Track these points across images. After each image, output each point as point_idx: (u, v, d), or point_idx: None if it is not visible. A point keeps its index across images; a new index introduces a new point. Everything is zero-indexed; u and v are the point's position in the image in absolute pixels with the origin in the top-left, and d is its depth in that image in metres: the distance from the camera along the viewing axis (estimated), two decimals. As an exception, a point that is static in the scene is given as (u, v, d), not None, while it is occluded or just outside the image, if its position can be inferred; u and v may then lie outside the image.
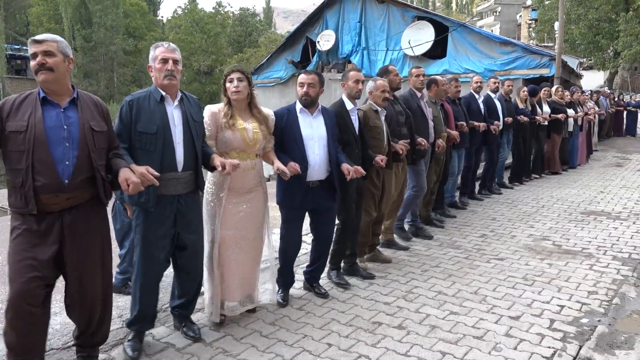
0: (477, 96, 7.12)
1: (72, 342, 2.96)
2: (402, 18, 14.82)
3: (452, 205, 6.88)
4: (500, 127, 7.36)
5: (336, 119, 3.86)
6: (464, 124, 6.34)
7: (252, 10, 44.48)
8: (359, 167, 3.68)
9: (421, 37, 14.16)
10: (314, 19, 16.67)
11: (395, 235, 5.32)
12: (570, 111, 9.72)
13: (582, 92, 11.35)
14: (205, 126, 3.22)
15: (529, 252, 5.10)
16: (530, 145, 8.83)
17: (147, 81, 36.96)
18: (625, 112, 17.14)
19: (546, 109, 9.05)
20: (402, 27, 14.68)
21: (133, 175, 2.57)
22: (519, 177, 8.80)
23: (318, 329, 3.40)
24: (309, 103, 3.63)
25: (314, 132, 3.64)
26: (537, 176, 9.32)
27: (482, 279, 4.32)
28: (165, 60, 2.95)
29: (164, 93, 2.97)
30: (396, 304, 3.81)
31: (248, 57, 32.13)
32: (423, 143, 4.95)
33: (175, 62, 2.98)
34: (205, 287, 3.41)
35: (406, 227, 5.61)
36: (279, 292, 3.84)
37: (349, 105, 4.05)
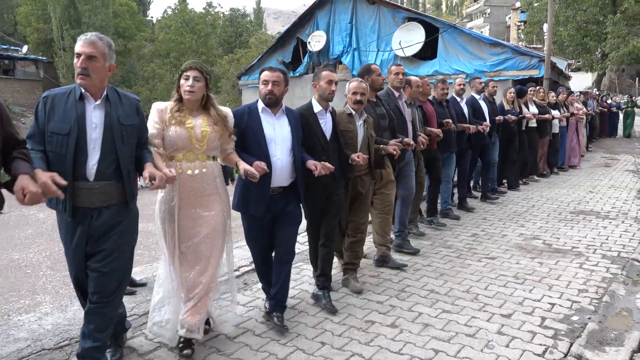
0: (458, 99, 6.82)
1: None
2: (392, 19, 14.88)
3: (446, 213, 6.46)
4: (489, 128, 7.14)
5: (301, 121, 3.57)
6: (450, 121, 6.03)
7: (242, 10, 44.33)
8: (327, 163, 3.41)
9: (412, 38, 14.24)
10: (305, 20, 16.70)
11: (392, 251, 4.88)
12: (555, 112, 9.57)
13: (570, 93, 11.24)
14: (151, 124, 2.93)
15: (520, 251, 5.14)
16: (518, 149, 8.30)
17: (136, 81, 36.80)
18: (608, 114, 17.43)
19: (533, 109, 8.84)
20: (393, 28, 14.74)
21: (32, 184, 2.09)
22: (512, 180, 8.42)
23: (311, 328, 3.41)
24: (273, 102, 3.33)
25: (276, 134, 3.34)
26: (526, 180, 8.98)
27: (473, 278, 4.34)
28: (78, 55, 2.53)
29: (83, 90, 2.56)
30: (389, 302, 3.82)
31: (239, 57, 32.02)
32: (411, 143, 4.69)
33: (89, 57, 2.51)
34: (164, 310, 3.04)
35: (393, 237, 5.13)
36: (266, 301, 3.61)
37: (316, 107, 3.71)
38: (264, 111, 3.36)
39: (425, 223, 6.09)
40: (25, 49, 33.18)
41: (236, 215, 3.43)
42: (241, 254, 4.74)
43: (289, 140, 3.38)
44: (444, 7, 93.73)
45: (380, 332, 3.33)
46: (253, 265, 3.66)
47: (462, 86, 6.88)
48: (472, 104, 7.11)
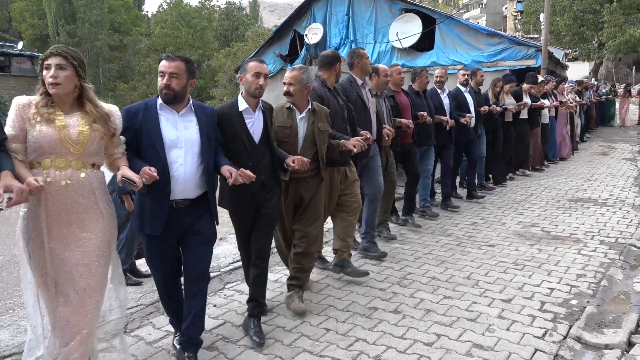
0: (439, 91, 6.31)
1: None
2: (389, 10, 14.86)
3: (423, 211, 6.04)
4: (473, 120, 6.66)
5: (219, 121, 3.04)
6: (425, 114, 5.56)
7: (238, 4, 44.21)
8: (247, 170, 2.84)
9: (409, 29, 14.22)
10: (302, 12, 16.65)
11: (359, 254, 4.61)
12: (545, 102, 9.02)
13: (560, 81, 10.59)
14: (9, 123, 2.40)
15: (519, 238, 5.20)
16: (503, 142, 7.79)
17: (133, 76, 36.72)
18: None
19: (527, 99, 8.27)
20: (390, 20, 14.72)
21: None
22: (498, 175, 7.96)
23: (315, 315, 3.47)
24: (172, 98, 2.74)
25: (180, 135, 2.77)
26: (512, 175, 8.51)
27: (474, 265, 4.41)
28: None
29: None
30: (391, 289, 3.89)
31: (235, 51, 31.94)
32: (368, 136, 4.10)
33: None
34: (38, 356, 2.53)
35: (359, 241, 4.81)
36: (175, 337, 3.08)
37: (242, 105, 3.16)
38: (164, 108, 2.78)
39: (399, 223, 5.70)
40: (20, 45, 33.07)
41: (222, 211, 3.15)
42: (229, 249, 4.75)
43: (197, 143, 2.81)
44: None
45: (383, 318, 3.40)
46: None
47: (439, 78, 6.35)
48: (457, 96, 6.66)
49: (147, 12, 49.35)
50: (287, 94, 3.50)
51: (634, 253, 4.74)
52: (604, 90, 17.73)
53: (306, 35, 16.34)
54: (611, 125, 17.65)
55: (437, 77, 6.36)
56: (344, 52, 15.70)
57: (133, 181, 2.42)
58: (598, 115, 17.24)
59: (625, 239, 5.12)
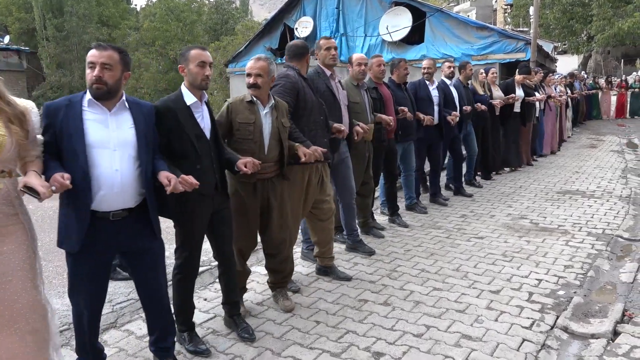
0: (427, 83, 6.07)
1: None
2: (379, 4, 14.84)
3: (411, 208, 5.99)
4: (458, 118, 6.32)
5: (162, 118, 2.71)
6: (405, 109, 5.27)
7: (228, -3, 43.91)
8: (189, 177, 2.54)
9: (399, 22, 14.22)
10: (292, 6, 16.59)
11: (301, 257, 4.44)
12: (535, 94, 8.66)
13: (547, 74, 10.37)
14: None
15: (508, 230, 5.25)
16: (492, 137, 7.68)
17: (122, 71, 36.33)
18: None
19: (519, 92, 8.05)
20: (380, 13, 14.70)
21: None
22: (485, 172, 7.80)
23: (306, 308, 3.49)
24: (104, 93, 2.40)
25: (111, 135, 2.42)
26: (501, 171, 8.30)
27: (463, 257, 4.45)
28: None
29: None
30: (381, 282, 3.91)
31: (225, 45, 31.71)
32: (342, 129, 3.97)
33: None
34: None
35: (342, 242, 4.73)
36: None
37: (189, 98, 2.83)
38: (92, 104, 2.42)
39: (386, 222, 5.54)
40: (7, 39, 32.61)
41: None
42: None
43: (133, 145, 2.47)
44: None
45: (373, 310, 3.42)
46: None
47: (426, 69, 6.10)
48: (443, 90, 6.33)
49: (135, 5, 48.89)
50: (254, 86, 3.20)
51: (621, 244, 4.81)
52: (590, 83, 17.82)
53: (296, 28, 16.29)
54: (600, 119, 17.75)
55: (424, 68, 6.13)
56: (334, 46, 15.68)
57: (36, 191, 2.06)
58: (587, 109, 17.33)
59: (612, 230, 5.18)
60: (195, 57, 2.81)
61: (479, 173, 7.80)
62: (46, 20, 33.55)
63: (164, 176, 2.47)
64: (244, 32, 31.16)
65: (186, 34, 38.85)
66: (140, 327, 3.23)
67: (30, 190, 2.07)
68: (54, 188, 2.15)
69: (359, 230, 4.79)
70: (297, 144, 3.40)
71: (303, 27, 16.14)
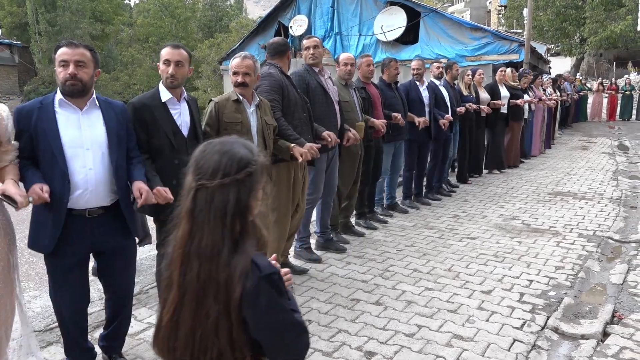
0: (418, 84, 6.01)
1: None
2: (374, 3, 14.85)
3: (392, 207, 5.94)
4: (450, 121, 6.22)
5: (138, 115, 2.75)
6: (398, 115, 5.21)
7: (222, -6, 43.76)
8: (163, 189, 2.54)
9: (393, 22, 14.24)
10: (287, 4, 16.56)
11: (295, 257, 4.37)
12: (525, 96, 8.81)
13: (537, 75, 10.28)
14: None
15: (500, 231, 5.27)
16: (478, 138, 7.71)
17: (115, 66, 36.17)
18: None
19: (505, 93, 8.06)
20: (375, 13, 14.72)
21: None
22: (464, 174, 7.66)
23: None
24: (78, 90, 2.37)
25: (83, 135, 2.41)
26: (488, 172, 8.32)
27: (455, 257, 4.46)
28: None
29: None
30: (373, 281, 3.92)
31: (219, 42, 31.62)
32: (331, 139, 3.90)
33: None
34: None
35: (312, 241, 4.59)
36: None
37: (165, 95, 2.84)
38: (63, 104, 2.40)
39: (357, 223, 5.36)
40: (-2, 33, 32.35)
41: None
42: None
43: (104, 143, 2.46)
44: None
45: (365, 310, 3.42)
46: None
47: (416, 70, 6.04)
48: (433, 90, 6.28)
49: (129, 1, 48.59)
50: (242, 84, 3.20)
51: (611, 245, 4.85)
52: (578, 85, 17.90)
53: (291, 27, 16.26)
54: (585, 121, 17.84)
55: (413, 69, 6.06)
56: (328, 45, 15.68)
57: (14, 200, 2.06)
58: (575, 112, 17.40)
59: (603, 231, 5.22)
60: (162, 55, 2.86)
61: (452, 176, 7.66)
62: (39, 14, 33.27)
63: (137, 188, 2.47)
64: (238, 30, 31.11)
65: (180, 31, 38.70)
66: (131, 324, 3.21)
67: (8, 199, 2.08)
68: (31, 199, 2.18)
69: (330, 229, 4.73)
70: (291, 144, 3.42)
71: (297, 25, 16.12)
